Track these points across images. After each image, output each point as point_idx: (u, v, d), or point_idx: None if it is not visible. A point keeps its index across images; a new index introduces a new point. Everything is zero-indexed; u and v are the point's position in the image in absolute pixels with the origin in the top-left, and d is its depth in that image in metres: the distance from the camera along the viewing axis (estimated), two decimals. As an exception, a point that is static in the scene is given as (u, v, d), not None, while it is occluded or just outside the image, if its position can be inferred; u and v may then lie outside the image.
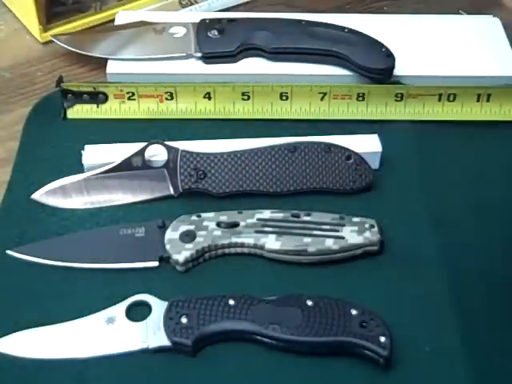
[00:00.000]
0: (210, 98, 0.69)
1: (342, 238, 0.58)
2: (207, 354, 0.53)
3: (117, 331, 0.54)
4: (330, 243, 0.58)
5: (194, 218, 0.60)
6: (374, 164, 0.65)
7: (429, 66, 0.73)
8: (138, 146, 0.63)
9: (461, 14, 0.82)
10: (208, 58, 0.72)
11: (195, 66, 0.72)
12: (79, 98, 0.69)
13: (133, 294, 0.55)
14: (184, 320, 0.53)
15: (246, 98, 0.69)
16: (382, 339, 0.52)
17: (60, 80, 0.68)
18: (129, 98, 0.69)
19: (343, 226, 0.59)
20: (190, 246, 0.58)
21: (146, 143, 0.62)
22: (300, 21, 0.73)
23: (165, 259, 0.58)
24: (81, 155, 0.64)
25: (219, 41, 0.72)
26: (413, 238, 0.61)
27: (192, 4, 0.82)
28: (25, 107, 0.71)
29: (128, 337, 0.53)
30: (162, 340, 0.53)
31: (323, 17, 0.76)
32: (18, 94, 0.73)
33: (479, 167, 0.67)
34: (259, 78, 0.71)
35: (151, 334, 0.53)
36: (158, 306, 0.54)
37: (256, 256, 0.59)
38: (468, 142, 0.69)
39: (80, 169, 0.63)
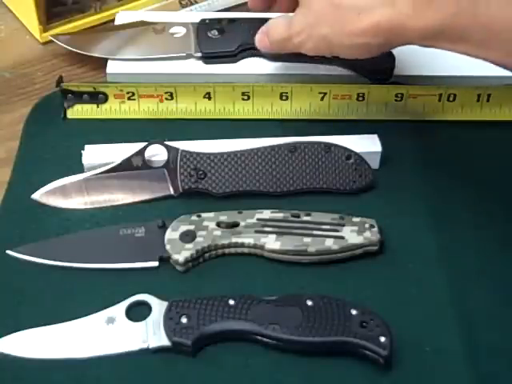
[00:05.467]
0: (209, 98, 0.69)
1: (342, 237, 0.58)
2: (207, 354, 0.53)
3: (117, 331, 0.54)
4: (330, 243, 0.58)
5: (194, 217, 0.60)
6: (374, 164, 0.65)
7: (429, 66, 0.73)
8: (138, 145, 0.63)
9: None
10: (208, 58, 0.72)
11: (195, 66, 0.72)
12: (79, 98, 0.69)
13: (133, 294, 0.55)
14: (184, 320, 0.53)
15: (245, 97, 0.69)
16: (382, 339, 0.52)
17: (60, 80, 0.68)
18: (129, 98, 0.69)
19: (343, 225, 0.59)
20: (189, 246, 0.58)
21: (145, 143, 0.62)
22: None
23: (165, 259, 0.58)
24: (81, 155, 0.64)
25: (219, 41, 0.72)
26: (413, 238, 0.61)
27: (192, 4, 0.82)
28: (25, 107, 0.71)
29: (128, 337, 0.53)
30: (162, 340, 0.53)
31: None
32: (18, 93, 0.73)
33: (479, 167, 0.67)
34: (259, 77, 0.71)
35: (151, 334, 0.53)
36: (158, 306, 0.54)
37: (256, 256, 0.59)
38: (468, 141, 0.69)
39: (80, 169, 0.63)
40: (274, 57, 0.72)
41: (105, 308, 0.55)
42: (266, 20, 0.75)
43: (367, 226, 0.59)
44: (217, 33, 0.72)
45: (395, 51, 0.71)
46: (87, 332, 0.54)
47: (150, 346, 0.53)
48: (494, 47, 0.52)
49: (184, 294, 0.55)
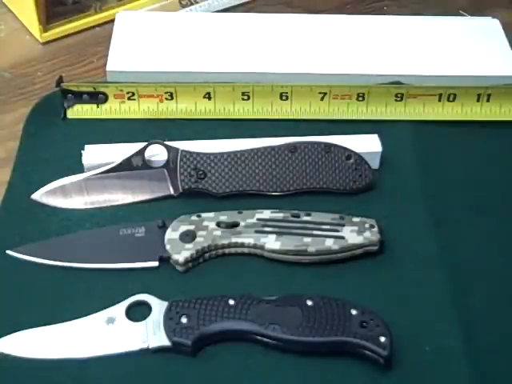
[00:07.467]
0: (209, 98, 0.69)
1: (342, 237, 0.58)
2: (207, 354, 0.53)
3: (117, 331, 0.54)
4: (329, 243, 0.58)
5: (194, 217, 0.60)
6: (374, 164, 0.65)
7: (429, 66, 0.73)
8: (138, 145, 0.63)
9: (461, 14, 0.82)
10: None
11: (195, 65, 0.72)
12: (79, 98, 0.69)
13: (133, 294, 0.55)
14: (184, 320, 0.53)
15: (246, 97, 0.69)
16: (382, 339, 0.52)
17: (60, 80, 0.68)
18: (129, 98, 0.69)
19: (343, 225, 0.59)
20: (189, 246, 0.58)
21: (145, 143, 0.62)
22: None
23: (165, 259, 0.58)
24: (81, 155, 0.63)
25: None
26: (413, 238, 0.61)
27: (192, 4, 0.82)
28: (25, 107, 0.71)
29: (128, 337, 0.53)
30: (162, 340, 0.53)
31: (323, 17, 0.76)
32: (18, 93, 0.73)
33: (479, 167, 0.67)
34: (260, 77, 0.71)
35: (151, 334, 0.53)
36: (158, 306, 0.54)
37: (256, 256, 0.59)
38: (468, 141, 0.69)
39: (80, 169, 0.63)
40: None
41: (105, 308, 0.55)
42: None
43: (367, 225, 0.59)
44: None
45: (395, 51, 0.71)
46: (87, 332, 0.54)
47: (150, 346, 0.53)
48: None
49: (184, 294, 0.55)
